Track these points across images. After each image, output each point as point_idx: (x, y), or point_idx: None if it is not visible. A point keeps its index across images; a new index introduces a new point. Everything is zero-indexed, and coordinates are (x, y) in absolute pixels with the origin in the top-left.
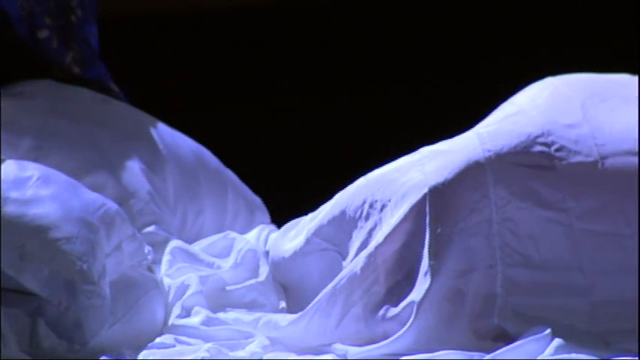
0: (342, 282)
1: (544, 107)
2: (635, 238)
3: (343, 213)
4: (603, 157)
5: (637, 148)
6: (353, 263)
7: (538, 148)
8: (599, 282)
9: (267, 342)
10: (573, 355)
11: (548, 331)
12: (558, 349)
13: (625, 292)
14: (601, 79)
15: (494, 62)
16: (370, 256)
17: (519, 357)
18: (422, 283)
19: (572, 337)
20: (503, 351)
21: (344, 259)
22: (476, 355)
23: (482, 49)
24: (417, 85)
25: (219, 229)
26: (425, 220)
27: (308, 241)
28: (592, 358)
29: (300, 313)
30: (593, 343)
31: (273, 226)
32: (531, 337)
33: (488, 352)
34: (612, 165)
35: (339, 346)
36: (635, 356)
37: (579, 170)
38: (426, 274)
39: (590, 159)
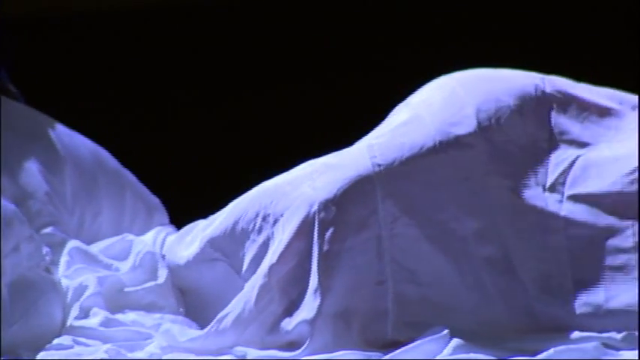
0: (244, 315)
1: (437, 113)
2: (517, 267)
3: (236, 224)
4: (490, 181)
5: (520, 180)
6: (250, 285)
7: (427, 163)
8: (484, 304)
9: (165, 343)
10: (472, 355)
11: (447, 331)
12: (456, 349)
13: (509, 316)
14: (499, 78)
15: (397, 59)
16: (264, 276)
17: (417, 357)
18: (313, 301)
19: (470, 338)
20: (401, 351)
21: (236, 271)
22: (374, 355)
23: (383, 46)
24: (317, 88)
25: (118, 231)
26: (314, 236)
27: (201, 250)
28: (490, 358)
29: (197, 335)
30: (490, 343)
31: (170, 228)
32: (429, 337)
33: (386, 354)
34: (497, 190)
35: (239, 348)
36: (530, 356)
37: (465, 191)
38: (315, 292)
39: (477, 181)
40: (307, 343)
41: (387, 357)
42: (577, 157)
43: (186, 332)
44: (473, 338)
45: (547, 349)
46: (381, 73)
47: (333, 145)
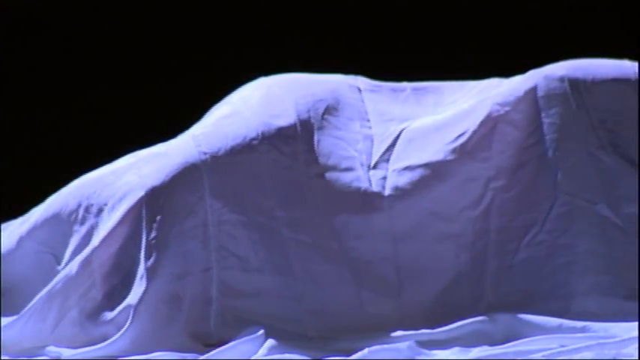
0: (58, 286)
1: (257, 108)
2: (342, 254)
3: (57, 216)
4: (312, 169)
5: (343, 164)
6: (68, 267)
7: (252, 152)
8: (310, 290)
9: None
10: (286, 355)
11: (262, 331)
12: (272, 350)
13: (335, 303)
14: (313, 79)
15: (215, 60)
16: (86, 259)
17: (233, 357)
18: (138, 287)
19: (287, 338)
20: (217, 352)
21: (59, 262)
22: (190, 356)
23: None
24: (137, 86)
25: None
26: (142, 223)
27: (20, 245)
28: (304, 358)
29: (14, 317)
30: (307, 344)
31: None
32: (245, 338)
33: (203, 354)
34: (320, 177)
35: (52, 349)
36: (346, 356)
37: (288, 180)
38: (142, 278)
39: (299, 169)
40: (126, 327)
41: (203, 357)
42: (401, 131)
43: (1, 321)
44: (295, 334)
45: (362, 348)
46: (200, 74)
47: (145, 144)
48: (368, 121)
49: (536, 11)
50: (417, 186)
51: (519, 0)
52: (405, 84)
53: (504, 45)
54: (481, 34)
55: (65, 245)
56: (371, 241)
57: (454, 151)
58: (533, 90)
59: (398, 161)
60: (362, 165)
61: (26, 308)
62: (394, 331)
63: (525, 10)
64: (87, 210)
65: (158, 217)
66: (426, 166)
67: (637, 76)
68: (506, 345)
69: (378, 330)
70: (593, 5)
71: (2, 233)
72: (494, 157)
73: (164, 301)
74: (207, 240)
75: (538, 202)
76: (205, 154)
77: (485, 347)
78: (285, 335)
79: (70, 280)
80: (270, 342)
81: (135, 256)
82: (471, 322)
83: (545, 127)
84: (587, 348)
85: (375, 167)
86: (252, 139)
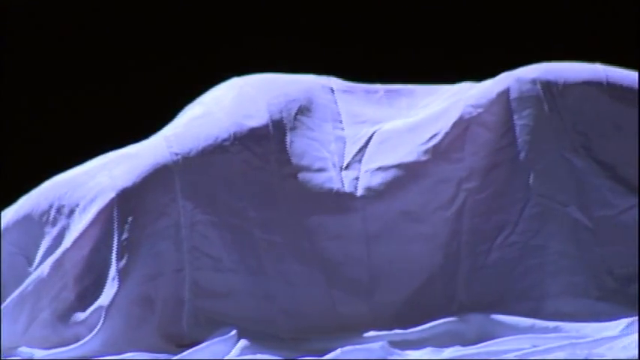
0: (29, 288)
1: (230, 108)
2: (315, 254)
3: (29, 217)
4: (284, 170)
5: (316, 165)
6: (40, 269)
7: (224, 153)
8: (283, 290)
9: None
10: (259, 356)
11: (234, 332)
12: (244, 350)
13: (307, 303)
14: (286, 79)
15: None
16: (58, 261)
17: (206, 357)
18: (110, 288)
19: (259, 339)
20: (190, 352)
21: (30, 264)
22: (162, 356)
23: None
24: (109, 87)
25: None
26: (113, 224)
27: None
28: (277, 359)
29: None
30: (280, 344)
31: None
32: (218, 338)
33: (176, 355)
34: (292, 178)
35: (24, 349)
36: (319, 356)
37: (261, 180)
38: (114, 279)
39: (271, 170)
40: (98, 328)
41: (175, 358)
42: (374, 133)
43: None
44: (268, 334)
45: (334, 349)
46: (172, 74)
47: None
48: (341, 122)
49: (509, 14)
50: (389, 186)
51: (494, 2)
52: (378, 86)
53: (477, 48)
54: (455, 37)
55: (37, 246)
56: (343, 241)
57: (427, 152)
58: (506, 92)
59: (370, 162)
60: (334, 166)
61: None
62: (367, 331)
63: (499, 13)
64: (58, 211)
65: (130, 219)
66: (398, 166)
67: (608, 79)
68: (478, 345)
69: (350, 330)
70: (567, 8)
71: None
72: (466, 159)
73: (136, 302)
74: (180, 241)
75: (510, 203)
76: (177, 155)
77: (458, 347)
78: (257, 336)
79: (41, 281)
80: (243, 342)
81: (107, 257)
82: (444, 323)
83: (517, 129)
84: (560, 348)
85: (347, 168)
86: (224, 139)
